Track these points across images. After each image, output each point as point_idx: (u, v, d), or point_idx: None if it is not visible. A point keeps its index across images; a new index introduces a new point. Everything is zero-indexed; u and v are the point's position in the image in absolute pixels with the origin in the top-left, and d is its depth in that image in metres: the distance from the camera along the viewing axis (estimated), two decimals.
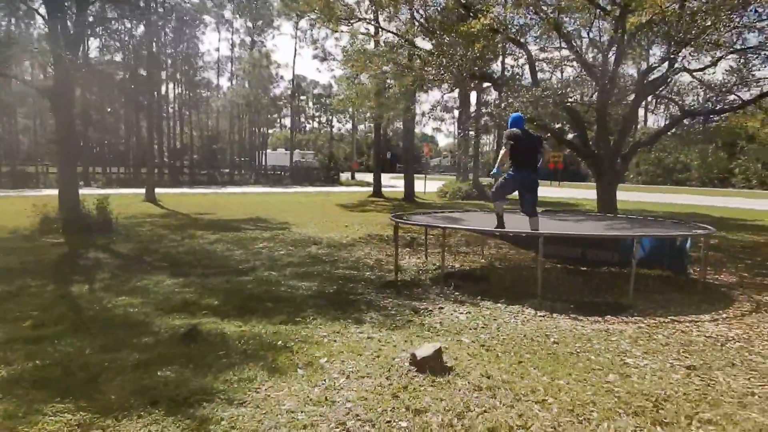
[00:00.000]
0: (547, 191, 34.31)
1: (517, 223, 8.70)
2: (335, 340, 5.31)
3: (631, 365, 4.74)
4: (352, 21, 21.58)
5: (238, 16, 52.86)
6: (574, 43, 14.86)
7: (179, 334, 5.29)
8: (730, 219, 18.79)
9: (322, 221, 16.18)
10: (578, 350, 5.11)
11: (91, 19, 14.74)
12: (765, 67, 13.86)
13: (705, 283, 7.79)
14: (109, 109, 44.64)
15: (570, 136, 16.38)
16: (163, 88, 49.95)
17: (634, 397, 4.02)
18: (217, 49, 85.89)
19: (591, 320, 6.16)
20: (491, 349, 5.11)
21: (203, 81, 57.65)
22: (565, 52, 15.95)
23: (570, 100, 13.99)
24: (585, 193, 32.84)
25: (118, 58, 36.13)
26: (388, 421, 3.62)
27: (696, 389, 4.23)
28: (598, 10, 13.89)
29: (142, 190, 24.10)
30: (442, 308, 6.61)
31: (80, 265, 9.23)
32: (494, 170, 8.15)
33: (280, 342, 5.21)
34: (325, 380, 4.30)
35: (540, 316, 6.32)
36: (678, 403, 3.96)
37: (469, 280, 8.36)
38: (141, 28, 20.12)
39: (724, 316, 6.44)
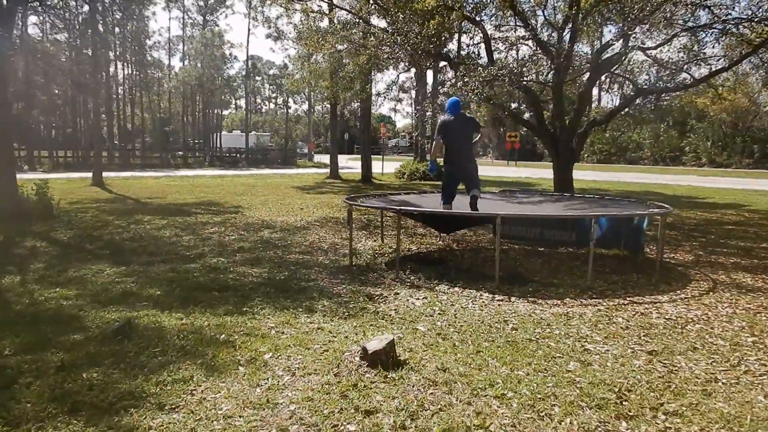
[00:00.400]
0: (504, 171, 34.47)
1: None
2: (283, 332, 4.98)
3: (592, 352, 4.55)
4: None
5: None
6: (530, 22, 14.69)
7: (112, 330, 4.85)
8: (682, 197, 19.04)
9: (277, 204, 15.74)
10: (538, 337, 4.90)
11: None
12: (716, 44, 13.99)
13: (662, 263, 7.72)
14: (56, 91, 42.63)
15: (527, 115, 16.28)
16: (112, 69, 48.27)
17: (596, 388, 3.82)
18: (168, 29, 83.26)
19: (550, 303, 5.98)
20: (448, 337, 4.85)
21: (154, 61, 55.85)
22: (521, 31, 15.78)
23: (526, 79, 13.83)
24: (542, 173, 33.05)
25: (61, 37, 34.49)
26: (335, 425, 3.31)
27: (659, 377, 4.05)
28: None
29: (90, 174, 23.13)
30: (397, 294, 6.35)
31: (13, 254, 8.62)
32: (430, 168, 8.07)
33: (222, 336, 4.85)
34: (268, 379, 3.96)
35: (498, 300, 6.12)
36: (641, 393, 3.77)
37: (426, 263, 8.12)
38: (86, 6, 19.02)
39: (683, 296, 6.34)
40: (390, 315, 5.54)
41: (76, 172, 30.76)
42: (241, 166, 44.00)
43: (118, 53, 48.90)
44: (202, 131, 57.33)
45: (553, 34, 14.19)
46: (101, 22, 25.51)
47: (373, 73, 23.45)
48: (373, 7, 18.39)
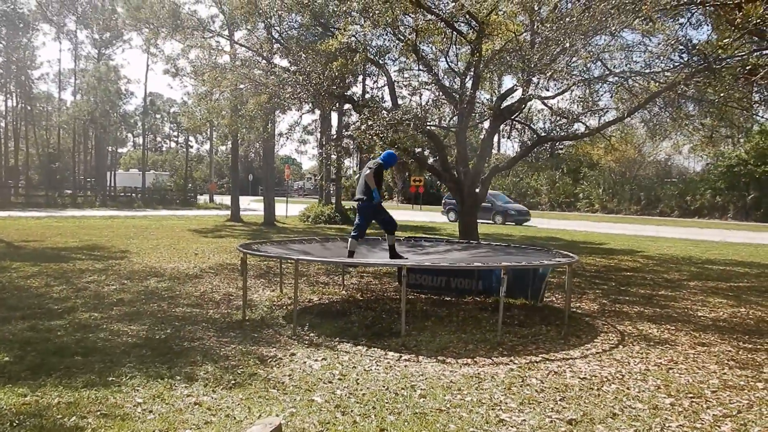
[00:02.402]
0: (409, 215, 34.57)
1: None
2: (150, 411, 4.16)
3: (508, 423, 4.08)
4: (204, 35, 20.27)
5: (82, 27, 48.57)
6: (433, 68, 14.78)
7: None
8: (580, 242, 19.58)
9: (170, 249, 14.62)
10: (448, 405, 4.39)
11: None
12: (608, 96, 14.60)
13: (570, 314, 7.53)
14: None
15: (431, 160, 16.26)
16: None
17: None
18: (59, 61, 78.91)
19: (460, 363, 5.52)
20: (348, 411, 4.24)
21: (42, 94, 52.34)
22: (424, 77, 15.87)
23: (429, 123, 13.79)
24: (445, 217, 33.42)
25: None
26: None
27: None
28: (454, 35, 13.85)
29: None
30: (293, 355, 5.68)
31: None
32: (376, 198, 7.84)
33: (72, 419, 3.96)
34: None
35: (405, 359, 5.59)
36: None
37: (327, 316, 7.51)
38: None
39: (594, 351, 6.08)
40: (283, 383, 4.85)
41: None
42: (136, 206, 41.58)
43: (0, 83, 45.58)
44: (95, 169, 53.97)
45: (455, 80, 14.30)
46: None
47: (276, 113, 22.92)
48: (275, 46, 17.99)
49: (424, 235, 12.90)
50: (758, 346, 6.45)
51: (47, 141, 53.08)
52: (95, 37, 48.97)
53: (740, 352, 6.19)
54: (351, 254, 7.75)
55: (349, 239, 7.93)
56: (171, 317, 7.18)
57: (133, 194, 46.92)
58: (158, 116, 74.36)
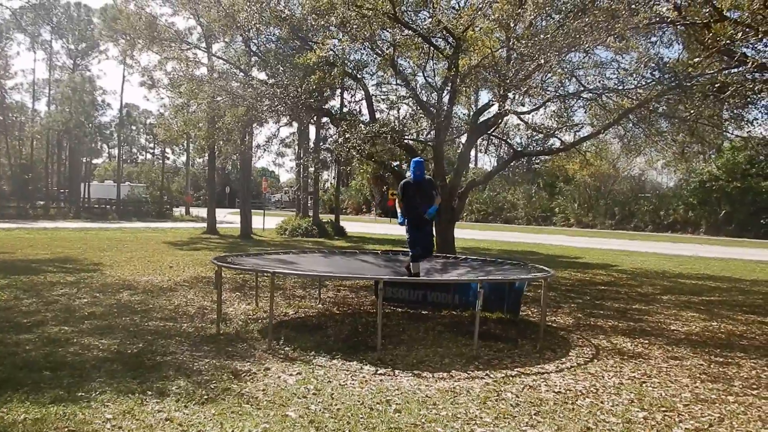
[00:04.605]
0: (385, 229, 34.55)
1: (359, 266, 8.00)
2: (120, 428, 4.09)
3: None
4: (181, 47, 20.19)
5: (57, 37, 47.97)
6: (410, 82, 14.88)
7: None
8: (556, 256, 19.74)
9: (144, 261, 14.44)
10: (423, 420, 4.37)
11: None
12: (583, 112, 14.83)
13: (545, 328, 7.56)
14: None
15: (408, 174, 16.31)
16: None
17: None
18: (33, 71, 77.75)
19: (436, 377, 5.51)
20: (322, 426, 4.20)
21: (15, 104, 51.44)
22: (402, 91, 15.96)
23: (407, 137, 13.86)
24: None
25: None
26: None
27: None
28: (432, 50, 13.97)
29: None
30: (268, 369, 5.62)
31: None
32: (399, 219, 7.70)
33: None
34: None
35: (380, 374, 5.57)
36: None
37: (303, 330, 7.45)
38: None
39: (568, 365, 6.12)
40: (257, 397, 4.79)
41: None
42: (111, 218, 40.96)
43: None
44: (69, 180, 53.04)
45: (433, 95, 14.41)
46: None
47: (254, 126, 22.84)
48: (253, 59, 17.96)
49: (401, 249, 12.89)
50: (729, 360, 6.54)
51: (20, 151, 52.10)
52: (71, 47, 48.39)
53: (712, 366, 6.26)
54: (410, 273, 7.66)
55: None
56: (144, 331, 7.07)
57: (108, 206, 46.28)
58: (134, 128, 73.63)
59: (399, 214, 7.63)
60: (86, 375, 5.25)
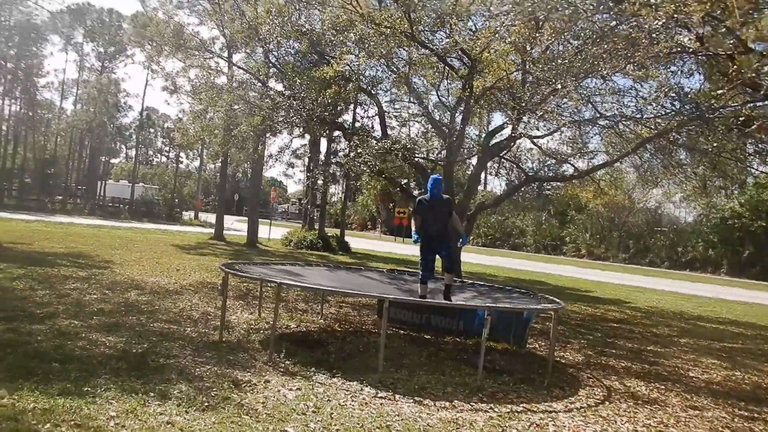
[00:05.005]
0: (390, 247, 34.30)
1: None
2: (123, 426, 4.10)
3: None
4: (204, 56, 20.40)
5: (88, 39, 48.96)
6: (424, 100, 14.82)
7: None
8: (566, 288, 19.02)
9: (153, 263, 14.47)
10: None
11: None
12: (598, 139, 14.61)
13: (553, 363, 7.26)
14: None
15: (416, 192, 16.17)
16: None
17: None
18: (64, 71, 78.82)
19: (438, 405, 5.29)
20: None
21: (45, 101, 52.35)
22: (414, 108, 15.90)
23: (418, 155, 13.72)
24: None
25: None
26: None
27: None
28: (447, 69, 13.90)
29: None
30: (268, 381, 5.53)
31: None
32: (414, 237, 7.24)
33: (47, 427, 3.95)
34: None
35: (381, 397, 5.38)
36: None
37: (304, 345, 7.31)
38: None
39: (578, 405, 5.82)
40: (256, 409, 4.71)
41: None
42: (123, 217, 41.61)
43: (6, 89, 45.64)
44: (87, 178, 53.82)
45: (446, 114, 14.31)
46: None
47: (267, 135, 22.89)
48: (272, 70, 18.04)
49: (407, 269, 12.69)
50: (755, 415, 6.09)
51: (44, 147, 52.96)
52: (100, 50, 49.52)
53: (736, 420, 5.85)
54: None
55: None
56: (149, 332, 7.11)
57: (121, 205, 47.15)
58: (152, 130, 74.32)
59: (413, 232, 7.32)
60: (92, 370, 5.30)
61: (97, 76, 48.29)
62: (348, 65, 13.99)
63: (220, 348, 6.70)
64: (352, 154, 13.44)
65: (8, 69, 43.64)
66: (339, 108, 17.09)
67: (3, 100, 46.31)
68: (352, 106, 19.92)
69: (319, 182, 17.24)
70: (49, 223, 26.72)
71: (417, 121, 14.98)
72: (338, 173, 17.25)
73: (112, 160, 69.77)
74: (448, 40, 12.38)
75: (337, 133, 20.27)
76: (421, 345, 7.98)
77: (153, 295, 9.79)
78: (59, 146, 54.41)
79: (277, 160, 20.02)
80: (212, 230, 29.19)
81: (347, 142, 16.61)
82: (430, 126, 14.00)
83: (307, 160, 28.07)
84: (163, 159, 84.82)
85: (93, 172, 53.65)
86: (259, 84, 17.13)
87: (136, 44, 28.85)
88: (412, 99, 14.72)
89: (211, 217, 39.34)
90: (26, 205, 40.34)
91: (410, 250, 33.31)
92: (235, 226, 37.61)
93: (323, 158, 23.17)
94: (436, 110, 14.60)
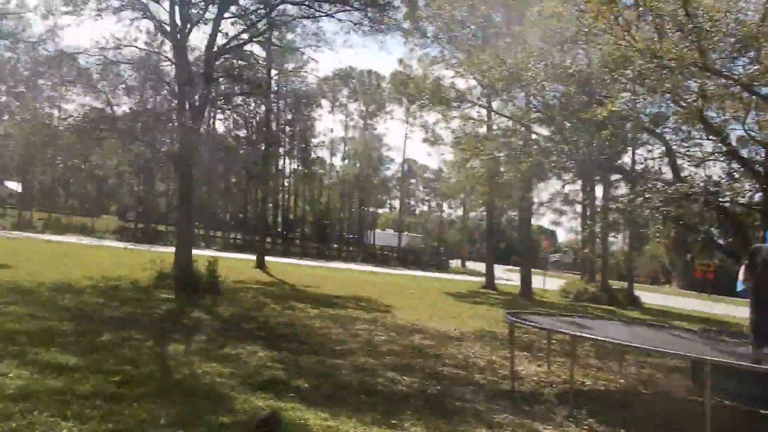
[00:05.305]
0: (692, 305, 30.64)
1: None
2: None
3: None
4: (463, 106, 21.15)
5: (352, 100, 54.94)
6: (725, 135, 13.09)
7: (259, 419, 4.71)
8: None
9: (428, 308, 15.20)
10: None
11: (214, 94, 15.22)
12: None
13: None
14: (233, 180, 47.22)
15: (721, 240, 14.18)
16: (280, 163, 52.55)
17: None
18: (331, 130, 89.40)
19: None
20: None
21: (317, 159, 59.91)
22: (709, 146, 14.13)
23: (723, 199, 12.03)
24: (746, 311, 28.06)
25: (241, 132, 38.15)
26: None
27: None
28: (755, 99, 12.17)
29: (254, 257, 25.19)
30: None
31: (182, 323, 9.35)
32: (738, 287, 6.59)
33: None
34: None
35: None
36: None
37: (606, 403, 6.78)
38: (262, 107, 21.17)
39: None
40: None
41: (243, 253, 33.41)
42: (392, 265, 44.47)
43: (286, 149, 53.47)
44: (356, 227, 59.68)
45: (758, 150, 12.49)
46: (274, 121, 28.50)
47: (534, 182, 22.54)
48: (535, 115, 17.85)
49: (723, 330, 11.12)
50: None
51: (318, 200, 60.43)
52: (362, 108, 55.01)
53: None
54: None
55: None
56: (439, 375, 7.37)
57: (390, 253, 50.70)
58: (413, 181, 79.46)
59: (739, 281, 6.33)
60: (396, 405, 5.73)
61: (361, 132, 53.57)
62: (625, 104, 13.21)
63: (514, 398, 6.63)
64: (639, 200, 12.42)
65: (287, 132, 50.87)
66: (618, 150, 16.14)
67: (284, 160, 53.81)
68: (630, 148, 18.66)
69: (597, 230, 16.32)
70: (329, 268, 30.03)
71: (718, 160, 13.27)
72: (619, 221, 16.11)
73: (379, 210, 76.07)
74: (758, 66, 10.84)
75: (614, 176, 19.12)
76: (760, 423, 6.66)
77: (435, 339, 10.19)
78: (331, 199, 61.26)
79: (548, 208, 19.65)
80: (481, 279, 29.52)
81: (628, 187, 15.50)
82: (735, 164, 12.26)
83: (579, 207, 27.06)
84: (425, 208, 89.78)
85: (362, 221, 59.18)
86: (523, 129, 17.07)
87: (395, 101, 31.48)
88: (708, 136, 13.13)
89: (478, 266, 40.02)
90: (308, 252, 45.85)
91: (720, 308, 28.73)
92: (505, 276, 37.52)
93: (601, 204, 22.00)
94: (740, 146, 12.81)
